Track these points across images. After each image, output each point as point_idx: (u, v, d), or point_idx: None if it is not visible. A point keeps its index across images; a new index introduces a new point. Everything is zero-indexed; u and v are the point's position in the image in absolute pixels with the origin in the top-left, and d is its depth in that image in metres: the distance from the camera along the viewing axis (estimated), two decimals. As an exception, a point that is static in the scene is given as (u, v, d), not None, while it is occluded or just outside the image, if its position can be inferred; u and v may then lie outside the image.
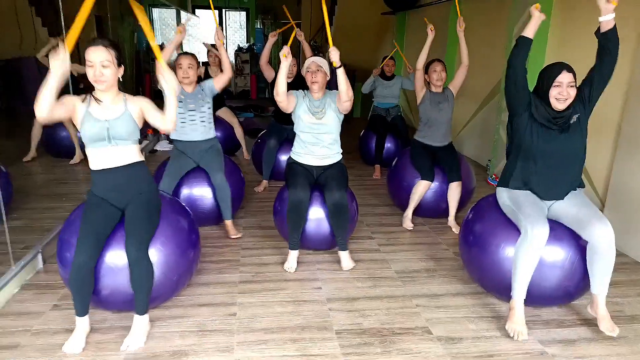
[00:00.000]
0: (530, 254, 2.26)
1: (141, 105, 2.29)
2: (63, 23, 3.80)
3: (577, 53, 3.98)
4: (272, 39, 4.45)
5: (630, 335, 2.37)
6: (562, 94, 2.30)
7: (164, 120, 2.26)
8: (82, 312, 2.19)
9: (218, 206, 3.44)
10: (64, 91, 2.09)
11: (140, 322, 2.23)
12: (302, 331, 2.35)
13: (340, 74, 2.79)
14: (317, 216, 3.04)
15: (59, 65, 1.97)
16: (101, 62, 2.13)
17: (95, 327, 2.30)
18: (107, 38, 2.24)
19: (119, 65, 2.20)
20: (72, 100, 2.19)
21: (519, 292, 2.31)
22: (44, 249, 2.99)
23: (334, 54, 2.72)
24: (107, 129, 2.19)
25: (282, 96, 2.87)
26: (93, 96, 2.23)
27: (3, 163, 3.70)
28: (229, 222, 3.47)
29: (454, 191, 3.65)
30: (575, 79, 2.34)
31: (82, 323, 2.20)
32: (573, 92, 2.32)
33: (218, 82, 3.39)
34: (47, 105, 2.01)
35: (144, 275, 2.19)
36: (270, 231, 3.55)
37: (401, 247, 3.38)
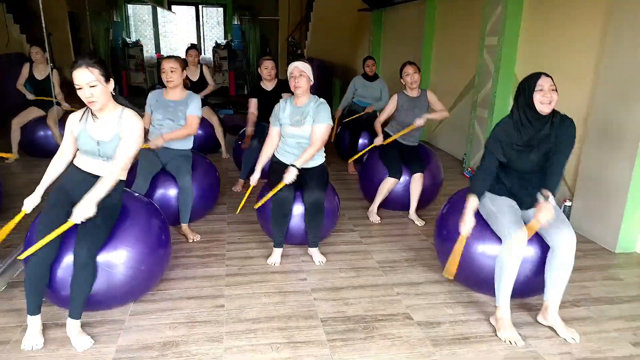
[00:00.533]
0: (514, 260, 2.31)
1: (126, 132, 2.29)
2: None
3: (544, 63, 4.14)
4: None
5: (595, 316, 2.54)
6: (545, 96, 2.34)
7: (113, 167, 2.27)
8: (35, 310, 2.18)
9: (195, 204, 3.42)
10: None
11: (73, 327, 2.20)
12: (288, 320, 2.45)
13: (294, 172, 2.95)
14: (300, 212, 3.12)
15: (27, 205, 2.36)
16: (88, 83, 2.16)
17: (86, 322, 2.35)
18: (90, 55, 2.26)
19: (107, 80, 2.23)
20: (69, 130, 2.36)
21: (504, 299, 2.35)
22: (29, 247, 3.00)
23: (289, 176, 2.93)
24: (99, 149, 2.29)
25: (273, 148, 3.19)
26: (91, 112, 2.31)
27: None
28: (184, 226, 3.42)
29: (416, 183, 3.77)
30: (554, 83, 2.38)
31: (35, 321, 2.19)
32: (555, 96, 2.36)
33: (198, 108, 3.41)
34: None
35: (87, 279, 2.18)
36: (254, 225, 3.63)
37: (382, 239, 3.51)
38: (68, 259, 2.25)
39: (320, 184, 3.04)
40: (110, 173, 2.26)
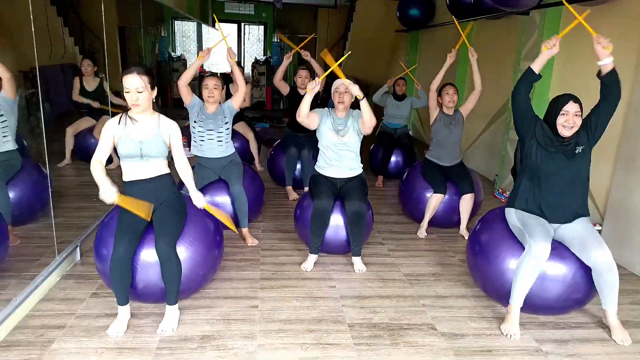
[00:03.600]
0: (531, 268, 2.47)
1: (170, 133, 2.56)
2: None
3: (579, 83, 4.20)
4: (287, 60, 4.78)
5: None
6: (568, 121, 2.53)
7: (178, 158, 2.62)
8: (123, 301, 2.45)
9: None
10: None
11: (171, 311, 2.49)
12: (317, 323, 2.59)
13: (364, 104, 3.04)
14: (335, 223, 3.28)
15: (106, 199, 2.32)
16: (136, 89, 2.40)
17: (133, 312, 2.56)
18: (141, 65, 2.52)
19: (152, 88, 2.47)
20: (110, 135, 2.47)
21: (517, 300, 2.53)
22: (81, 243, 3.26)
23: (355, 89, 3.01)
24: (141, 148, 2.48)
25: (304, 118, 3.14)
26: (129, 116, 2.51)
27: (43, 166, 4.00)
28: (245, 230, 3.67)
29: (467, 202, 3.89)
30: (581, 109, 2.55)
31: (124, 311, 2.46)
32: (579, 121, 2.54)
33: (235, 101, 3.59)
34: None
35: (174, 270, 2.44)
36: (287, 234, 3.80)
37: (410, 253, 3.62)
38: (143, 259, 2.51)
39: (361, 194, 3.19)
40: (180, 159, 2.62)
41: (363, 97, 3.02)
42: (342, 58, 3.10)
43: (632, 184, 3.43)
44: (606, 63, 2.46)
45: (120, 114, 2.53)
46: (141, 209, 2.39)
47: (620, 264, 3.50)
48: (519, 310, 2.55)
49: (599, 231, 3.73)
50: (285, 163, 4.83)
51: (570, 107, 2.52)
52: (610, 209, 3.65)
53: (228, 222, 2.72)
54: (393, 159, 5.62)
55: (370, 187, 5.33)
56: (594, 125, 2.59)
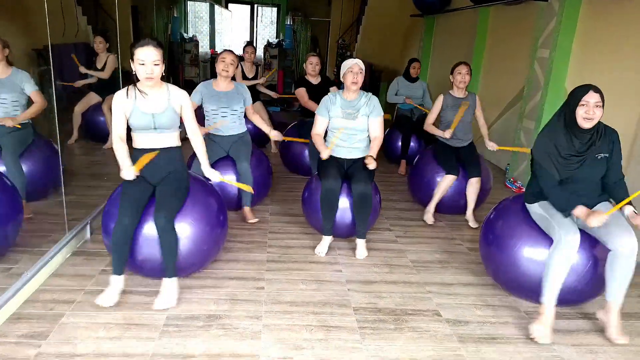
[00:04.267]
0: (564, 260, 2.38)
1: (182, 104, 2.59)
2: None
3: (597, 74, 4.12)
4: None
5: (625, 330, 2.55)
6: (588, 112, 2.40)
7: (192, 134, 2.70)
8: (118, 270, 2.48)
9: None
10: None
11: (169, 284, 2.51)
12: (323, 306, 2.60)
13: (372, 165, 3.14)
14: (342, 206, 3.27)
15: (127, 177, 2.45)
16: (153, 61, 2.40)
17: (141, 290, 2.60)
18: (154, 38, 2.52)
19: (163, 62, 2.48)
20: (121, 110, 2.50)
21: (550, 297, 2.40)
22: (91, 221, 3.30)
23: (372, 164, 3.12)
24: (154, 121, 2.51)
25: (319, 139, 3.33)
26: (138, 89, 2.51)
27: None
28: (247, 208, 3.71)
29: (473, 187, 3.85)
30: (602, 99, 2.42)
31: (117, 281, 2.48)
32: (599, 112, 2.41)
33: (248, 110, 3.77)
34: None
35: (172, 242, 2.47)
36: (295, 218, 3.81)
37: (417, 240, 3.61)
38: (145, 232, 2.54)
39: (367, 175, 3.17)
40: (194, 134, 2.69)
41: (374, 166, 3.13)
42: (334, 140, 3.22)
43: (646, 177, 3.36)
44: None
45: (127, 87, 2.53)
46: (148, 156, 2.52)
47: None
48: (553, 310, 2.41)
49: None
50: (309, 152, 4.73)
51: (590, 97, 2.41)
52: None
53: (245, 187, 2.99)
54: (412, 144, 5.51)
55: (381, 172, 5.32)
56: (609, 159, 2.52)
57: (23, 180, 3.27)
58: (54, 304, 2.45)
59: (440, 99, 3.97)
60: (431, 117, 4.07)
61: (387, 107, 5.73)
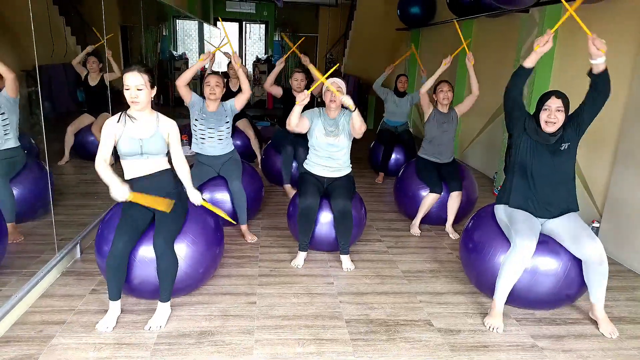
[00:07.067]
0: (516, 265, 2.50)
1: (169, 132, 2.59)
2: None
3: (579, 81, 4.20)
4: (279, 66, 4.78)
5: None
6: (550, 117, 2.56)
7: (177, 162, 2.66)
8: (115, 296, 2.47)
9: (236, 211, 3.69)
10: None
11: (163, 308, 2.51)
12: (315, 319, 2.61)
13: (356, 115, 3.05)
14: (327, 221, 3.30)
15: (118, 198, 2.38)
16: (136, 86, 2.43)
17: (131, 309, 2.58)
18: (142, 63, 2.55)
19: (152, 87, 2.50)
20: (111, 133, 2.47)
21: (501, 295, 2.57)
22: (81, 241, 3.29)
23: (346, 100, 2.98)
24: (141, 146, 2.51)
25: (294, 127, 3.16)
26: (128, 115, 2.53)
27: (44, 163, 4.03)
28: (244, 227, 3.70)
29: (454, 200, 3.90)
30: (565, 105, 2.56)
31: (115, 306, 2.48)
32: (561, 117, 2.56)
33: (238, 102, 3.63)
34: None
35: (170, 266, 2.46)
36: (286, 232, 3.82)
37: (408, 250, 3.63)
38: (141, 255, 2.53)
39: (346, 192, 3.20)
40: (180, 162, 2.66)
41: (355, 109, 3.02)
42: (331, 70, 3.15)
43: (631, 181, 3.43)
44: (599, 62, 2.45)
45: (120, 113, 2.55)
46: (160, 203, 2.44)
47: (619, 261, 3.51)
48: (502, 305, 2.59)
49: (597, 228, 3.74)
50: (281, 162, 4.83)
51: (552, 103, 2.56)
52: (609, 206, 3.66)
53: (226, 216, 2.81)
54: (394, 156, 5.64)
55: (370, 184, 5.40)
56: (579, 122, 2.61)
57: (13, 203, 3.26)
58: (44, 325, 2.43)
59: (431, 108, 4.03)
60: (426, 88, 4.03)
61: (377, 113, 5.81)
